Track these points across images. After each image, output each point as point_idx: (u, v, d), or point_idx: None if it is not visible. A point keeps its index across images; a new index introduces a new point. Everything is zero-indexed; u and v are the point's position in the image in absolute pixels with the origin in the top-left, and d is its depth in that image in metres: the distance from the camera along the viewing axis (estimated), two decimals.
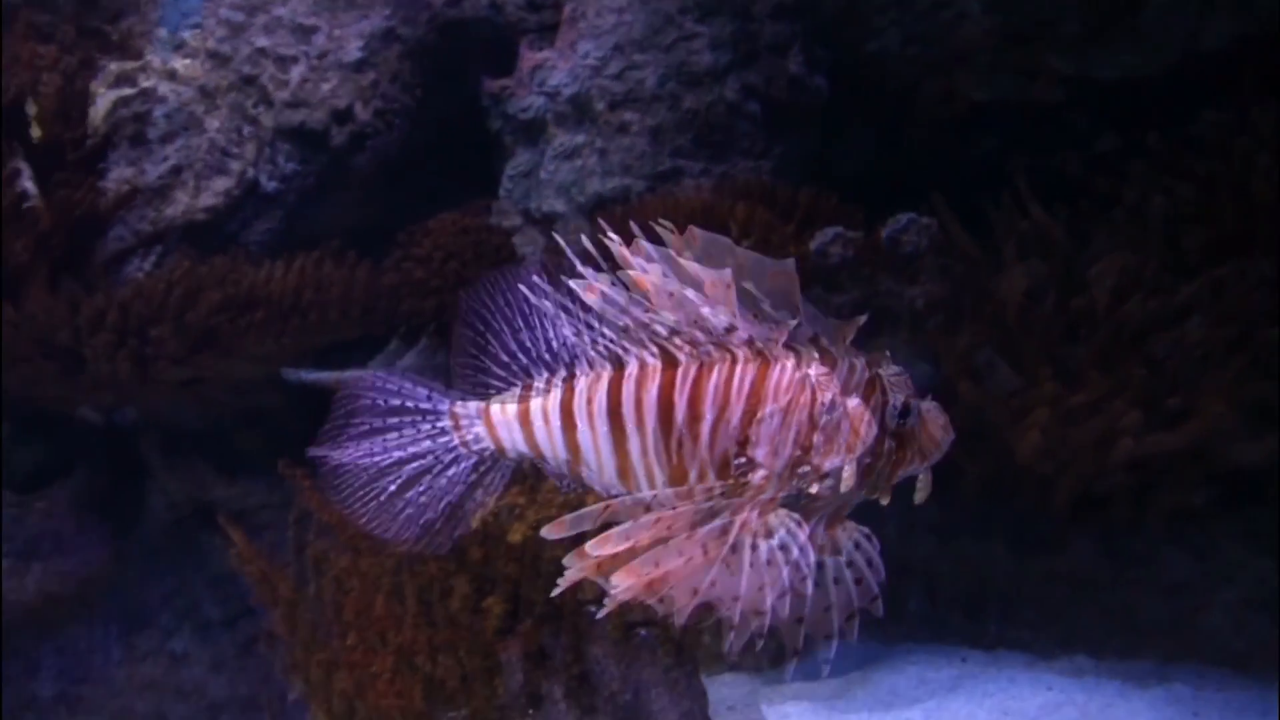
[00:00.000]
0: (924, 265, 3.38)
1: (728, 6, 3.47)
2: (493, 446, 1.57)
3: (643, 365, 1.47)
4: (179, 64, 3.74)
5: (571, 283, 1.43)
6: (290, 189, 3.76)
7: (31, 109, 3.12)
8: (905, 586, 3.60)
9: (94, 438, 3.47)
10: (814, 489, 1.45)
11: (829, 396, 1.44)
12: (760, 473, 1.44)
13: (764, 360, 1.45)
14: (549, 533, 1.39)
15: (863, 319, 1.51)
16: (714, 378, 1.44)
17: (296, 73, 3.64)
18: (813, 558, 1.41)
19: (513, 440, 1.55)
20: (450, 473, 1.59)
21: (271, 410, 3.39)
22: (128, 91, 3.67)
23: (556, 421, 1.52)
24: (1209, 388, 3.18)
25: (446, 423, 1.59)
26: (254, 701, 3.26)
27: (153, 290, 2.76)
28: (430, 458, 1.59)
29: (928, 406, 1.45)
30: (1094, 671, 3.06)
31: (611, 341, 1.48)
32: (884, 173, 4.23)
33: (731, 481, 1.43)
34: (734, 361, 1.45)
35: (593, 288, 1.41)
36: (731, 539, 1.40)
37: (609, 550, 1.38)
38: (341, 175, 3.80)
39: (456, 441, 1.58)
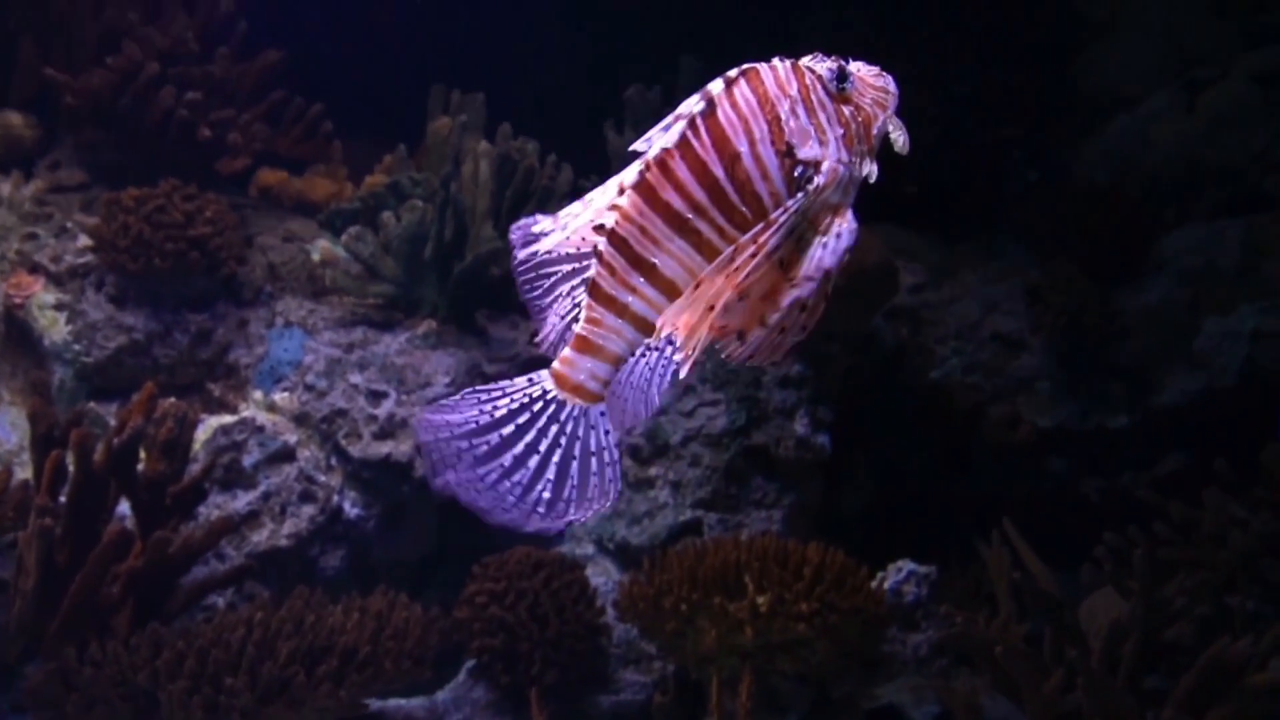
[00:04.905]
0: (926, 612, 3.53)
1: (739, 379, 3.87)
2: (608, 367, 1.41)
3: (657, 158, 1.35)
4: (278, 395, 3.99)
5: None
6: (371, 516, 3.88)
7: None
8: None
9: None
10: (870, 170, 1.38)
11: (833, 65, 1.38)
12: (825, 166, 1.35)
13: (747, 73, 1.37)
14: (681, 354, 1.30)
15: None
16: (721, 115, 1.35)
17: (385, 407, 3.86)
18: (839, 261, 1.34)
19: (623, 339, 1.40)
20: (592, 436, 1.43)
21: None
22: (228, 419, 3.91)
23: (640, 278, 1.37)
24: None
25: (554, 389, 1.43)
26: None
27: (231, 635, 2.81)
28: (555, 430, 1.43)
29: (855, 65, 1.41)
30: None
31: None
32: (948, 499, 4.27)
33: (803, 195, 1.34)
34: (728, 92, 1.36)
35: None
36: (804, 239, 1.33)
37: (696, 305, 1.30)
38: (421, 503, 3.93)
39: (576, 405, 1.43)
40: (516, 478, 1.44)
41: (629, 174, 1.37)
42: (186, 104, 4.49)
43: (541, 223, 1.41)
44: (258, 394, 4.01)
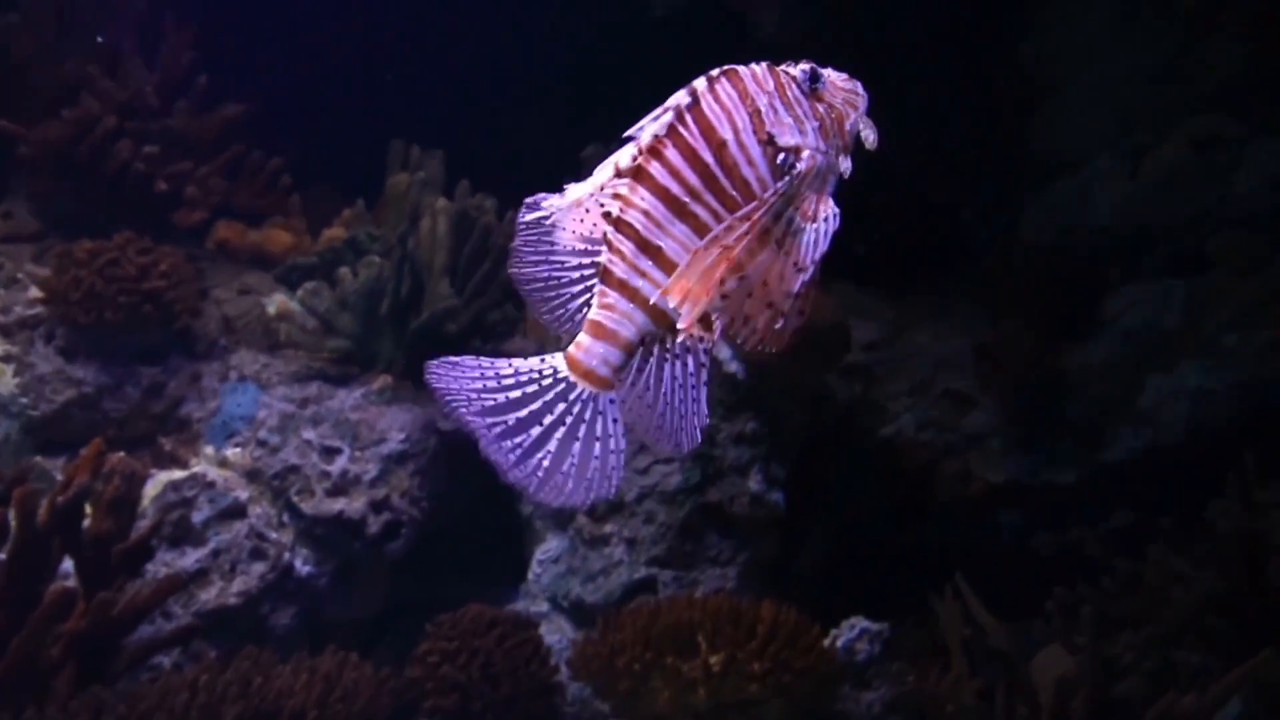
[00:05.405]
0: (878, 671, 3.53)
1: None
2: (620, 353, 1.46)
3: (650, 146, 1.44)
4: (230, 450, 3.95)
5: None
6: (323, 573, 3.84)
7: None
8: None
9: None
10: (845, 166, 1.48)
11: (806, 67, 1.49)
12: (805, 154, 1.46)
13: (727, 72, 1.47)
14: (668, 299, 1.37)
15: None
16: (705, 106, 1.45)
17: (339, 463, 3.84)
18: (830, 244, 1.44)
19: (634, 324, 1.46)
20: (598, 423, 1.47)
21: None
22: (178, 475, 3.85)
23: (648, 262, 1.44)
24: None
25: (566, 371, 1.48)
26: None
27: (175, 699, 2.75)
28: (562, 408, 1.47)
29: (826, 70, 1.51)
30: None
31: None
32: (903, 553, 4.30)
33: (787, 179, 1.45)
34: (710, 88, 1.46)
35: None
36: (792, 223, 1.43)
37: (693, 274, 1.38)
38: (374, 560, 3.89)
39: (586, 389, 1.47)
40: (519, 439, 1.48)
41: (623, 155, 1.45)
42: (144, 157, 4.49)
43: (551, 200, 1.48)
44: (209, 449, 3.97)
